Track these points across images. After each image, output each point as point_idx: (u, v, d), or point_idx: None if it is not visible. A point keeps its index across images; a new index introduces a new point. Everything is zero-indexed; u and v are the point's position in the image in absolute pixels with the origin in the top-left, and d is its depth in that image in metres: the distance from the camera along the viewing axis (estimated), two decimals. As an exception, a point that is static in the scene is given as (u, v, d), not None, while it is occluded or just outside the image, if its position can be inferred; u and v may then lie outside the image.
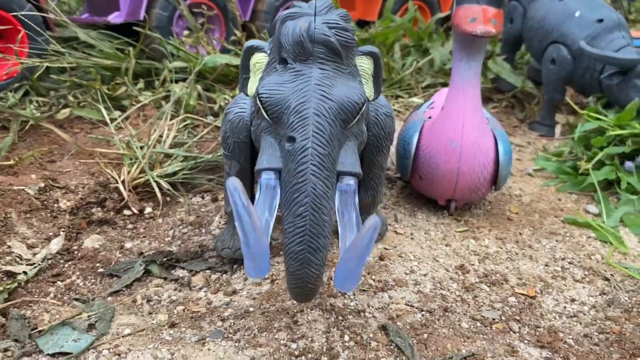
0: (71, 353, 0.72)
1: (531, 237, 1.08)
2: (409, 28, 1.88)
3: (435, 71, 1.83)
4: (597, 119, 1.37)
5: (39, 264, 0.91)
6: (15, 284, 0.85)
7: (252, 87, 0.77)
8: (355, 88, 0.71)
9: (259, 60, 0.75)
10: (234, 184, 0.58)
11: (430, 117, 1.16)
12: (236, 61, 1.46)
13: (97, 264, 0.94)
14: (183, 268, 0.94)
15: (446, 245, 1.02)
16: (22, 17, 1.32)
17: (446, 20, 2.33)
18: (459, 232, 1.08)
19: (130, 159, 1.17)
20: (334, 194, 0.68)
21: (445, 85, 1.80)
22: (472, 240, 1.05)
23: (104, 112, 1.25)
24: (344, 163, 0.69)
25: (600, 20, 1.48)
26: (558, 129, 1.59)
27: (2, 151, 1.11)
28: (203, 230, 1.05)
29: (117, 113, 1.32)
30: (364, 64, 0.76)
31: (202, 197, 1.17)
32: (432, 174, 1.08)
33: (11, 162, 1.09)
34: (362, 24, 2.16)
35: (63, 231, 1.01)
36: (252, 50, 0.76)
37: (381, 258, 0.95)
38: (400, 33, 1.86)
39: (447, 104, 1.07)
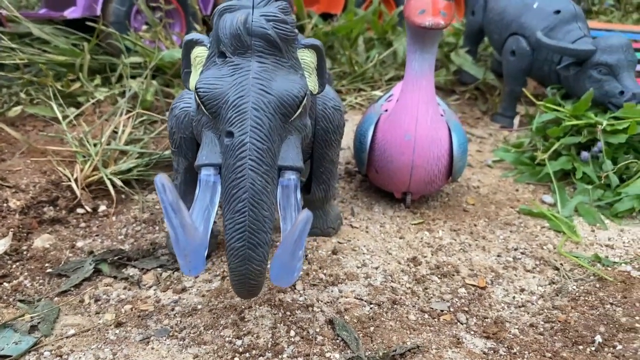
0: (10, 356, 0.71)
1: (486, 228, 1.09)
2: (372, 21, 1.87)
3: (399, 64, 1.83)
4: (554, 109, 1.38)
5: (-15, 266, 0.89)
6: (-43, 287, 0.83)
7: (193, 82, 0.76)
8: (296, 81, 0.70)
9: (199, 54, 0.74)
10: (161, 180, 0.58)
11: (386, 110, 1.16)
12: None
13: (46, 264, 0.93)
14: (134, 266, 0.93)
15: (400, 238, 1.02)
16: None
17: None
18: (414, 224, 1.08)
19: (84, 157, 1.15)
20: (274, 188, 0.68)
21: (408, 77, 1.81)
22: (426, 232, 1.05)
23: (56, 109, 1.22)
24: (285, 157, 0.69)
25: (558, 12, 1.49)
26: (517, 120, 1.60)
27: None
28: (157, 228, 1.04)
29: (71, 110, 1.30)
30: (307, 57, 0.75)
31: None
32: (387, 167, 1.08)
33: (-43, 161, 1.06)
34: (327, 17, 2.15)
35: (12, 231, 0.99)
36: (192, 44, 0.75)
37: (334, 252, 0.95)
38: (364, 26, 1.86)
39: (401, 97, 1.07)
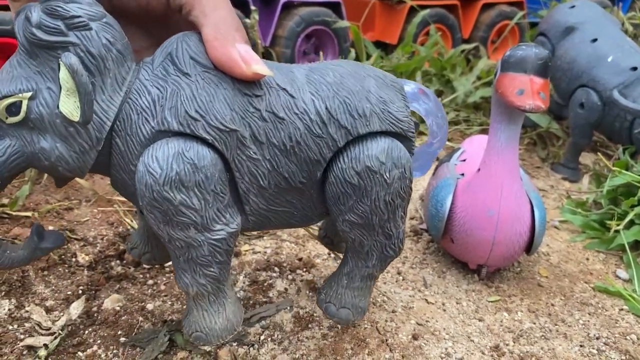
0: None
1: (563, 308, 1.05)
2: (431, 57, 1.83)
3: (456, 104, 1.78)
4: (627, 174, 1.33)
5: (60, 333, 0.87)
6: (37, 363, 0.81)
7: None
8: (9, 80, 0.61)
9: None
10: None
11: (463, 174, 1.12)
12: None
13: (119, 331, 0.91)
14: (208, 338, 0.90)
15: (479, 320, 0.99)
16: None
17: (464, 41, 2.28)
18: (491, 302, 1.04)
19: (151, 207, 1.12)
20: None
21: (467, 121, 1.76)
22: (505, 314, 1.01)
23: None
24: None
25: (635, 69, 1.44)
26: (585, 180, 1.55)
27: (20, 200, 1.06)
28: (227, 292, 1.01)
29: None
30: (62, 72, 0.60)
31: (224, 250, 1.12)
32: (465, 240, 1.05)
33: (29, 213, 1.04)
34: (380, 45, 2.11)
35: (82, 290, 0.97)
36: None
37: (415, 337, 0.92)
38: (423, 62, 1.81)
39: (483, 168, 1.03)
